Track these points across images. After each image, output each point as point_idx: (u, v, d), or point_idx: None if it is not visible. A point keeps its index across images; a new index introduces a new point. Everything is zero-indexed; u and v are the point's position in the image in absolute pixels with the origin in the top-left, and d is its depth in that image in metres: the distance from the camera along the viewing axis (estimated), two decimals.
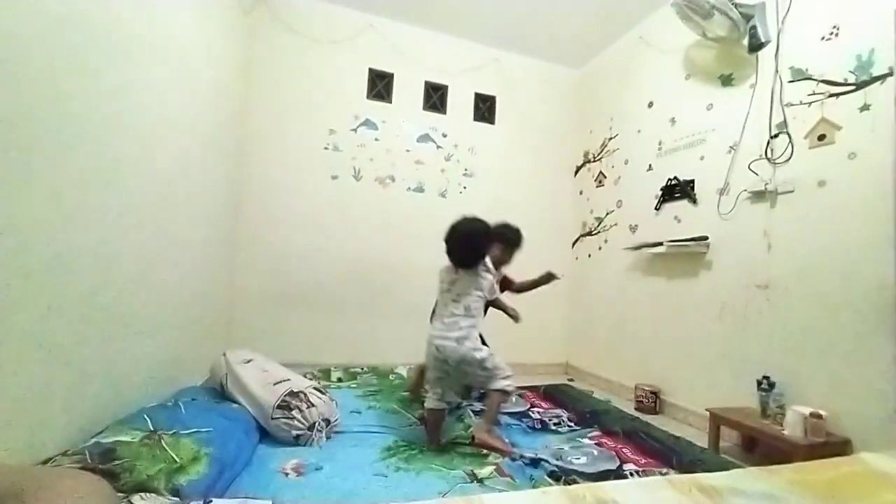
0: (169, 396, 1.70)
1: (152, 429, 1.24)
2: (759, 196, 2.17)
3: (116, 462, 1.05)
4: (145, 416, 1.30)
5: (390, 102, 3.36)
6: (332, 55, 3.22)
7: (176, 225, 1.93)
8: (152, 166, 1.67)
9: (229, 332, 2.91)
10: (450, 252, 1.83)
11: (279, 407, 1.67)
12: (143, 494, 1.01)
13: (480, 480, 1.44)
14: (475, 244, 1.82)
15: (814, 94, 1.95)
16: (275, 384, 1.77)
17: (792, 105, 2.05)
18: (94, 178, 1.30)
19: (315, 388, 1.81)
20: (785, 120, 2.07)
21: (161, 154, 1.74)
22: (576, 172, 3.87)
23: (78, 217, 1.23)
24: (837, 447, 1.67)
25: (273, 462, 1.46)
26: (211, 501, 1.01)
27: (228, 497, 1.15)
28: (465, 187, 3.55)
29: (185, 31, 1.92)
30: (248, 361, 1.95)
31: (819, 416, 1.69)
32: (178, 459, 1.14)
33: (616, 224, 3.28)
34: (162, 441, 1.18)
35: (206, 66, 2.21)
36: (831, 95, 1.89)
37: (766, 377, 1.96)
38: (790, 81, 2.07)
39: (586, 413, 2.21)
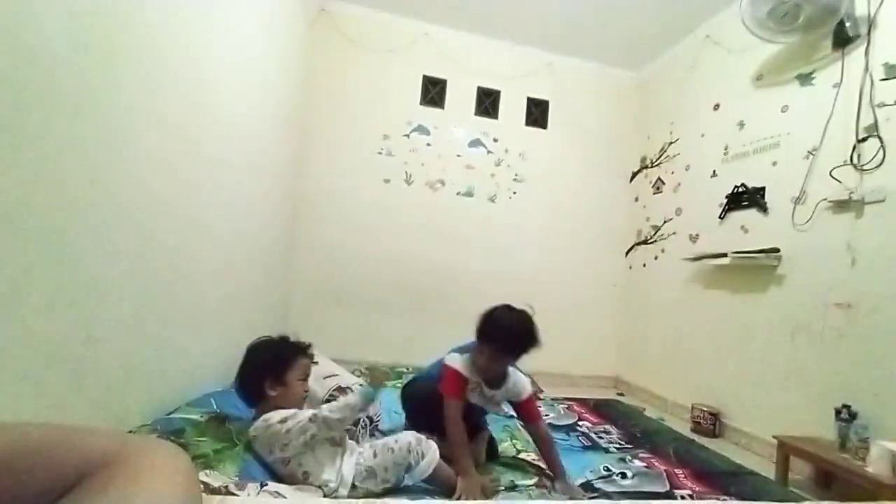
0: (231, 383, 1.83)
1: (217, 411, 1.34)
2: (842, 205, 1.97)
3: (185, 438, 1.15)
4: (211, 399, 1.41)
5: (443, 108, 3.42)
6: (388, 63, 3.33)
7: (243, 224, 2.08)
8: (226, 170, 1.81)
9: (284, 327, 3.06)
10: None
11: (326, 401, 1.74)
12: (207, 472, 1.09)
13: (517, 489, 1.41)
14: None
15: None
16: (325, 378, 1.85)
17: (885, 105, 1.85)
18: (172, 181, 1.43)
19: (361, 385, 1.87)
20: (876, 122, 1.87)
21: (234, 159, 1.89)
22: (631, 178, 3.71)
23: (163, 218, 1.36)
24: None
25: None
26: (266, 485, 1.08)
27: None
28: (514, 192, 3.52)
29: (256, 47, 2.07)
30: None
31: None
32: (238, 442, 1.23)
33: (674, 233, 3.11)
34: (225, 422, 1.28)
35: (274, 77, 2.37)
36: None
37: (846, 406, 1.77)
38: (883, 79, 1.87)
39: (637, 431, 2.10)
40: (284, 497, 1.04)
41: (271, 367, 1.28)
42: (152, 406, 1.32)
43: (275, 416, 1.20)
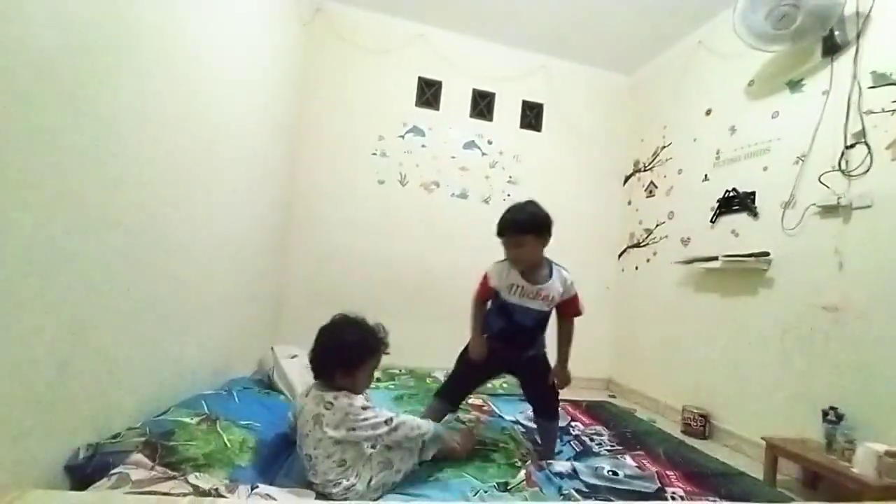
0: (223, 385, 1.81)
1: (208, 413, 1.32)
2: (830, 211, 2.00)
3: (175, 440, 1.13)
4: (202, 402, 1.40)
5: (438, 109, 3.42)
6: (384, 64, 3.33)
7: (235, 223, 2.06)
8: (216, 168, 1.80)
9: (277, 328, 3.06)
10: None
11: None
12: (197, 474, 1.08)
13: (509, 490, 1.42)
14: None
15: None
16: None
17: (872, 113, 1.88)
18: (164, 179, 1.42)
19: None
20: (863, 129, 1.90)
21: (224, 156, 1.87)
22: (625, 182, 3.74)
23: (148, 216, 1.34)
24: None
25: None
26: (257, 487, 1.07)
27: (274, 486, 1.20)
28: (508, 194, 3.53)
29: (250, 45, 2.06)
30: (294, 357, 2.04)
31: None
32: (229, 445, 1.21)
33: (667, 236, 3.14)
34: (217, 425, 1.26)
35: (268, 75, 2.35)
36: None
37: (832, 408, 1.79)
38: (870, 87, 1.90)
39: (628, 433, 2.11)
40: (275, 499, 1.03)
41: (342, 360, 1.30)
42: (142, 407, 1.31)
43: (359, 399, 1.27)
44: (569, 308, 1.72)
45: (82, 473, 1.01)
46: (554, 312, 1.74)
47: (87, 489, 0.95)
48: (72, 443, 1.04)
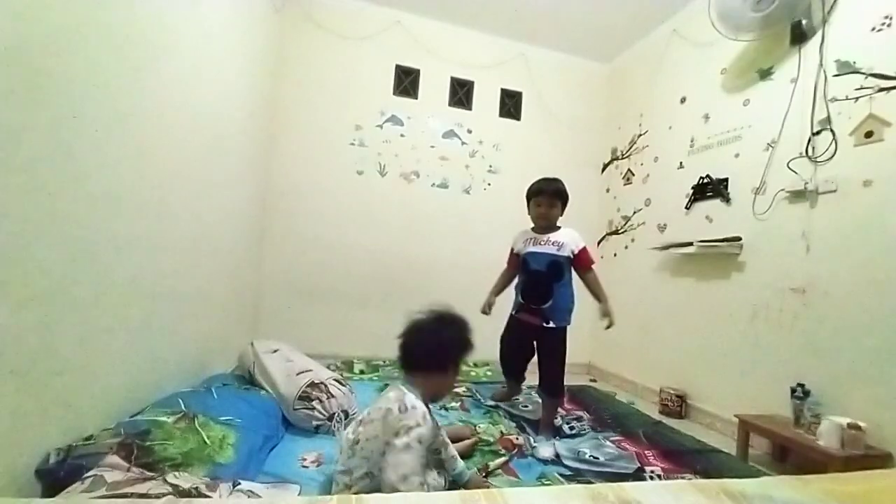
0: (200, 382, 1.77)
1: (185, 411, 1.29)
2: (798, 196, 2.07)
3: (151, 440, 1.10)
4: (179, 400, 1.36)
5: (416, 98, 3.38)
6: (360, 51, 3.26)
7: (210, 216, 2.00)
8: (188, 159, 1.73)
9: (257, 322, 3.00)
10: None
11: (300, 398, 1.71)
12: (176, 473, 1.06)
13: (486, 476, 1.45)
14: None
15: (861, 88, 1.85)
16: (297, 374, 1.82)
17: (837, 100, 1.94)
18: (133, 170, 1.36)
19: (335, 380, 1.85)
20: (828, 116, 1.97)
21: (196, 146, 1.80)
22: (603, 169, 3.79)
23: (118, 210, 1.29)
24: (877, 461, 1.59)
25: (296, 451, 1.51)
26: (239, 484, 1.05)
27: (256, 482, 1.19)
28: (489, 184, 3.53)
29: (219, 27, 1.97)
30: (275, 351, 2.01)
31: (858, 428, 1.61)
32: (208, 442, 1.19)
33: (644, 223, 3.20)
34: (195, 423, 1.23)
35: (240, 62, 2.27)
36: (881, 90, 1.78)
37: (800, 384, 1.88)
38: (835, 75, 1.96)
39: (608, 416, 2.17)
40: (259, 496, 1.02)
41: (461, 353, 1.30)
42: (116, 407, 1.27)
43: (417, 413, 1.14)
44: (580, 261, 2.08)
45: (54, 478, 0.97)
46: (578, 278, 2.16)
47: (60, 494, 0.92)
48: (42, 446, 1.00)
